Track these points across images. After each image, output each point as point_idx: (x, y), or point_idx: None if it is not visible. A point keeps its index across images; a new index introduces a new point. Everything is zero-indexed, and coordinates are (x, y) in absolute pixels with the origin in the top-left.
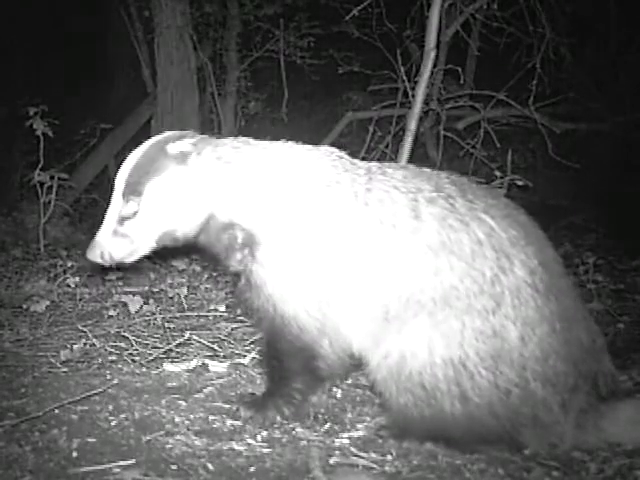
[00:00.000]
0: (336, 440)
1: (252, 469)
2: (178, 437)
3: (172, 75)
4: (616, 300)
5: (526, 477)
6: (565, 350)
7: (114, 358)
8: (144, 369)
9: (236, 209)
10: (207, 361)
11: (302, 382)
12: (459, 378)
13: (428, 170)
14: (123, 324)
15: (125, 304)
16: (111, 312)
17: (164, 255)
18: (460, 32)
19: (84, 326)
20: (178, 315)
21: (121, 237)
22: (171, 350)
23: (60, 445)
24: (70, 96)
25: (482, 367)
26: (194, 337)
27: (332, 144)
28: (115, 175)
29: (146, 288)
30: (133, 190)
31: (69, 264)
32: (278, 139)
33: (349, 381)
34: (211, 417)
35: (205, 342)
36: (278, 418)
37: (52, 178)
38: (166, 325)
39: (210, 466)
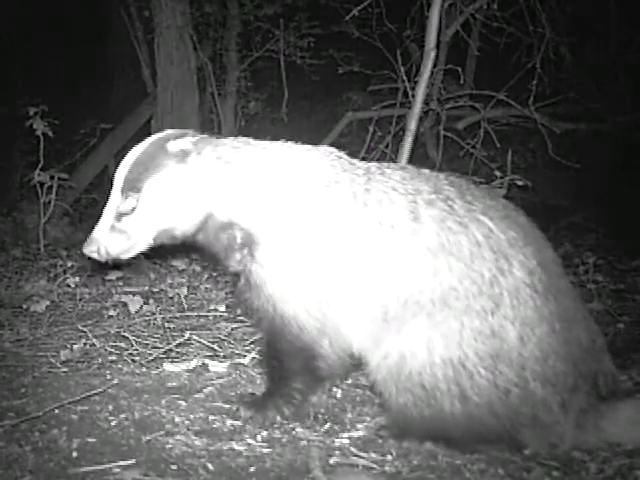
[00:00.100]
0: (336, 440)
1: (252, 469)
2: (178, 437)
3: (172, 75)
4: (616, 300)
5: (526, 477)
6: (565, 350)
7: (114, 358)
8: (144, 369)
9: (235, 209)
10: (207, 361)
11: (302, 382)
12: (458, 378)
13: (427, 171)
14: (123, 324)
15: (125, 304)
16: (111, 312)
17: (164, 255)
18: (460, 32)
19: (84, 326)
20: (178, 315)
21: (118, 233)
22: (171, 350)
23: (60, 445)
24: (70, 96)
25: (481, 367)
26: (194, 337)
27: (332, 144)
28: (115, 174)
29: (146, 288)
30: (132, 186)
31: (69, 264)
32: (278, 139)
33: (349, 381)
34: (211, 417)
35: (205, 342)
36: (278, 418)
37: (52, 178)
38: (166, 325)
39: (210, 466)
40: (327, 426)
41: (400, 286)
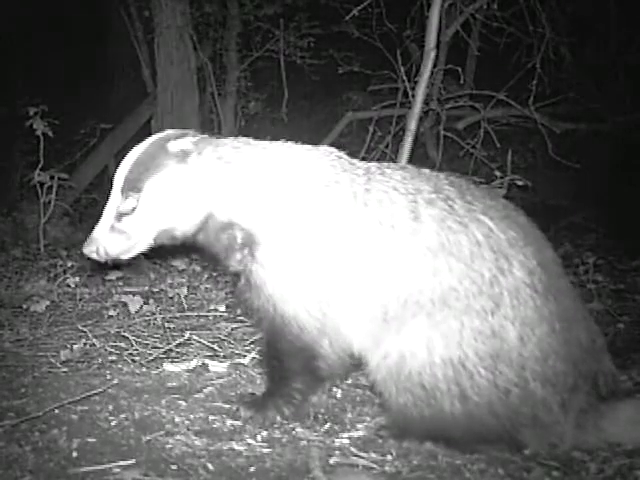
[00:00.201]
0: (336, 440)
1: (252, 469)
2: (178, 437)
3: (172, 75)
4: (616, 300)
5: (526, 477)
6: (565, 350)
7: (114, 358)
8: (144, 369)
9: (235, 209)
10: (207, 361)
11: (302, 382)
12: (458, 378)
13: (427, 171)
14: (123, 324)
15: (125, 304)
16: (111, 312)
17: (164, 255)
18: (460, 32)
19: (84, 326)
20: (178, 315)
21: (118, 233)
22: (171, 350)
23: (60, 445)
24: (70, 96)
25: (481, 367)
26: (194, 337)
27: (332, 144)
28: (115, 174)
29: (146, 288)
30: (132, 186)
31: (69, 264)
32: (278, 139)
33: (349, 381)
34: (211, 417)
35: (205, 342)
36: (278, 418)
37: (52, 178)
38: (166, 325)
39: (210, 466)
40: (327, 426)
41: (400, 286)
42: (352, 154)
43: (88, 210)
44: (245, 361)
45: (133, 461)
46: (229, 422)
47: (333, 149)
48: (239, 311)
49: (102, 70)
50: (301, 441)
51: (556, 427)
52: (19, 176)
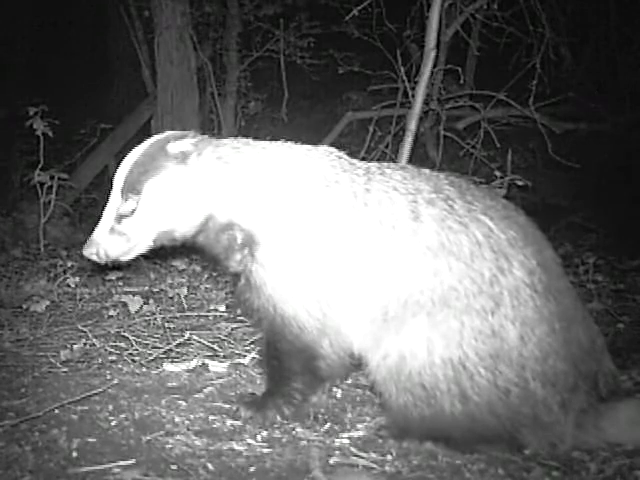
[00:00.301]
0: (336, 440)
1: (252, 469)
2: (178, 437)
3: (172, 75)
4: (616, 300)
5: (526, 477)
6: (565, 350)
7: (114, 358)
8: (144, 369)
9: (235, 209)
10: (207, 361)
11: (302, 382)
12: (458, 378)
13: (427, 171)
14: (123, 324)
15: (125, 304)
16: (111, 312)
17: (164, 255)
18: (460, 32)
19: (84, 326)
20: (178, 315)
21: (118, 235)
22: (171, 350)
23: (60, 445)
24: (70, 96)
25: (481, 367)
26: (194, 337)
27: (332, 144)
28: (115, 174)
29: (146, 288)
30: (132, 188)
31: (69, 264)
32: (278, 139)
33: (349, 381)
34: (211, 417)
35: (205, 342)
36: (278, 418)
37: (52, 178)
38: (166, 325)
39: (210, 466)
40: (327, 426)
41: (400, 286)
42: (352, 154)
43: (88, 210)
44: (245, 361)
45: (133, 461)
46: (229, 422)
47: (333, 149)
48: (239, 311)
49: (102, 70)
50: (301, 441)
51: (556, 427)
52: (19, 176)
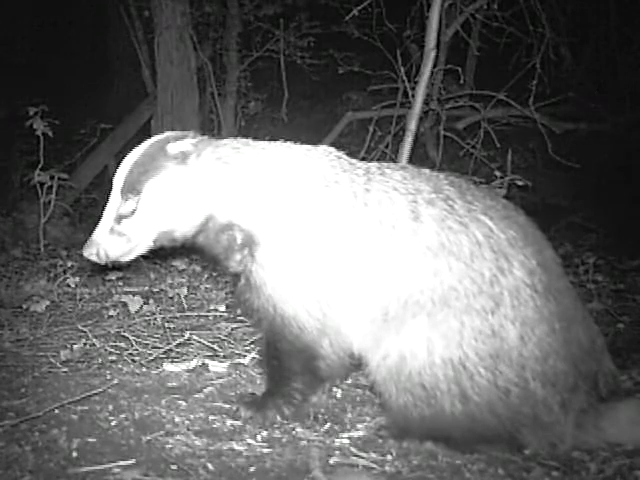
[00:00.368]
0: (336, 440)
1: (252, 469)
2: (178, 437)
3: (172, 75)
4: (616, 300)
5: (526, 477)
6: (565, 350)
7: (114, 358)
8: (144, 369)
9: (235, 210)
10: (207, 361)
11: (302, 382)
12: (459, 378)
13: (427, 171)
14: (123, 324)
15: (125, 304)
16: (111, 312)
17: (164, 255)
18: (460, 32)
19: (84, 326)
20: (178, 315)
21: (118, 235)
22: (171, 350)
23: (60, 445)
24: (70, 96)
25: (481, 367)
26: (194, 337)
27: (332, 144)
28: (115, 175)
29: (146, 288)
30: (132, 189)
31: (69, 264)
32: (278, 139)
33: (349, 381)
34: (211, 417)
35: (205, 342)
36: (278, 418)
37: (52, 178)
38: (166, 325)
39: (210, 466)
40: (327, 426)
41: (400, 286)
42: (352, 154)
43: (88, 210)
44: (245, 361)
45: (133, 461)
46: (229, 422)
47: (332, 149)
48: (239, 311)
49: (102, 70)
50: (301, 441)
51: (556, 427)
52: (19, 176)
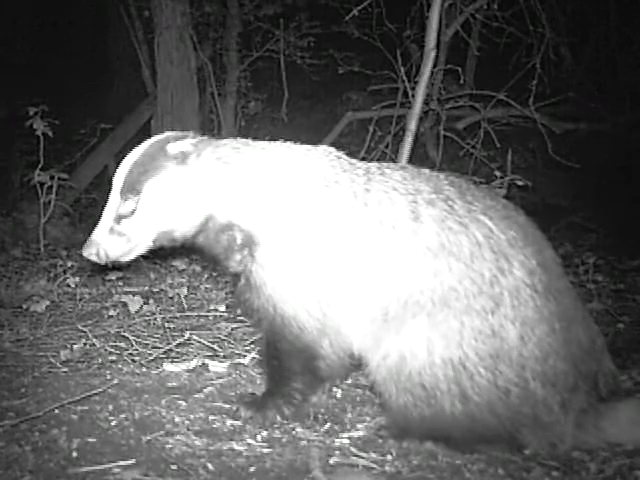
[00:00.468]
0: (336, 440)
1: (252, 469)
2: (178, 437)
3: (172, 75)
4: (616, 300)
5: (526, 477)
6: (565, 350)
7: (114, 358)
8: (144, 369)
9: (235, 210)
10: (207, 361)
11: (302, 382)
12: (459, 378)
13: (427, 171)
14: (123, 324)
15: (125, 304)
16: (111, 312)
17: (164, 255)
18: (460, 32)
19: (84, 326)
20: (178, 315)
21: (118, 235)
22: (171, 350)
23: (60, 445)
24: (70, 96)
25: (481, 367)
26: (194, 337)
27: (332, 144)
28: (114, 175)
29: (146, 288)
30: (132, 188)
31: (69, 264)
32: (278, 139)
33: (349, 381)
34: (211, 417)
35: (205, 342)
36: (278, 418)
37: (52, 178)
38: (166, 325)
39: (210, 466)
40: (327, 426)
41: (400, 286)
42: (352, 154)
43: (88, 210)
44: (245, 361)
45: (133, 461)
46: (229, 422)
47: (332, 149)
48: (239, 311)
49: (102, 70)
50: (301, 441)
51: (556, 427)
52: (19, 176)
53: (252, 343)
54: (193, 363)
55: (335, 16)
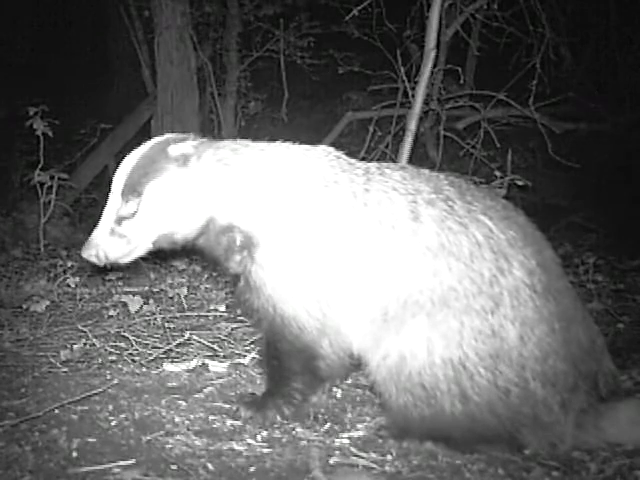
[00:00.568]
0: (336, 440)
1: (252, 469)
2: (178, 437)
3: (172, 75)
4: (616, 300)
5: (526, 477)
6: (564, 350)
7: (114, 358)
8: (144, 369)
9: (235, 211)
10: (207, 361)
11: (302, 382)
12: (459, 378)
13: (427, 171)
14: (123, 324)
15: (125, 304)
16: (111, 312)
17: (164, 255)
18: (460, 32)
19: (84, 326)
20: (178, 315)
21: (118, 237)
22: (171, 350)
23: (60, 445)
24: (70, 96)
25: (481, 367)
26: (194, 337)
27: (332, 144)
28: (114, 175)
29: (146, 288)
30: (133, 190)
31: (69, 264)
32: (278, 139)
33: (349, 381)
34: (211, 417)
35: (205, 342)
36: (278, 418)
37: (52, 178)
38: (166, 325)
39: (210, 466)
40: (327, 426)
41: (400, 286)
42: (352, 154)
43: (88, 210)
44: (245, 361)
45: (133, 461)
46: (229, 422)
47: (331, 149)
48: (239, 311)
49: (102, 70)
50: (301, 441)
51: (556, 427)
52: (19, 176)
53: (252, 343)
54: (193, 363)
55: (335, 16)
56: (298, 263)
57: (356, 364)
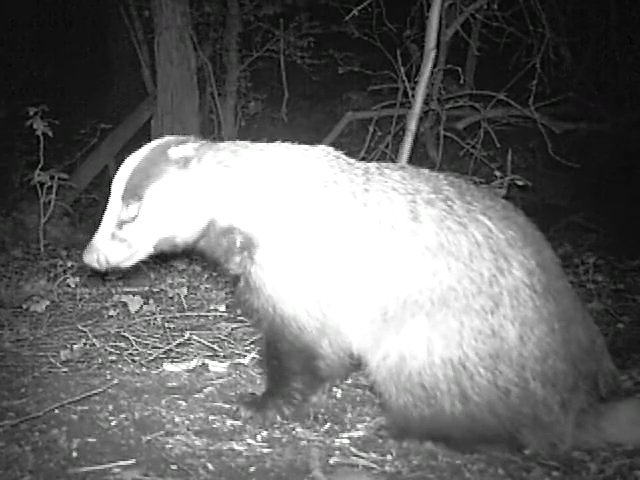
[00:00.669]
0: (336, 440)
1: (252, 469)
2: (178, 437)
3: (172, 75)
4: (616, 300)
5: (526, 477)
6: (564, 350)
7: (114, 358)
8: (144, 369)
9: (235, 213)
10: (207, 361)
11: (302, 382)
12: (458, 378)
13: (426, 171)
14: (123, 324)
15: (125, 304)
16: (111, 312)
17: (164, 256)
18: (460, 32)
19: (84, 326)
20: (178, 315)
21: (119, 242)
22: (171, 350)
23: (60, 445)
24: (70, 96)
25: (481, 367)
26: (194, 337)
27: (332, 144)
28: (114, 176)
29: (146, 288)
30: (133, 194)
31: (69, 264)
32: (278, 139)
33: (349, 381)
34: (211, 417)
35: (205, 342)
36: (278, 418)
37: (52, 178)
38: (166, 325)
39: (210, 466)
40: (327, 426)
41: (399, 286)
42: (352, 154)
43: (88, 210)
44: (245, 361)
45: (133, 461)
46: (229, 422)
47: (331, 149)
48: (239, 311)
49: (102, 70)
50: (301, 441)
51: (556, 427)
52: (19, 176)
53: (252, 343)
54: (193, 363)
55: (335, 16)
56: (298, 263)
57: (356, 364)
